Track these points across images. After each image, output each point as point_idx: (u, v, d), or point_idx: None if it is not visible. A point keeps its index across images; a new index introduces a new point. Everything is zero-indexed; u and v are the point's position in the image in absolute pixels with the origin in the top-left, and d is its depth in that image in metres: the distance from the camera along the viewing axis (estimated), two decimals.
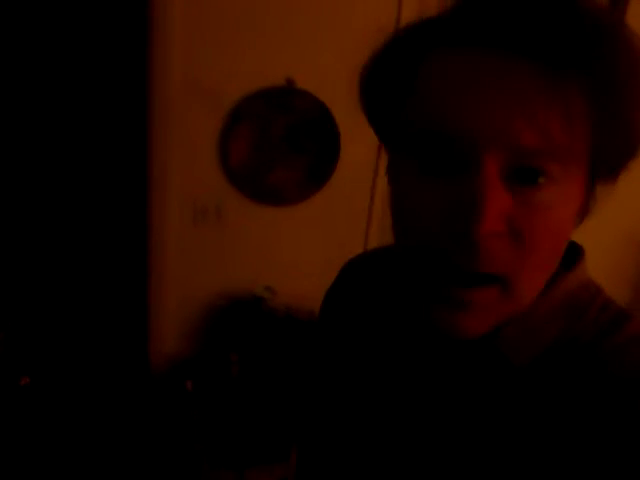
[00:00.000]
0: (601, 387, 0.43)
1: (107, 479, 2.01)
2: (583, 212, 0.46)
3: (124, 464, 2.06)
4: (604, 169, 0.44)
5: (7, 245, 2.19)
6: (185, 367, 2.13)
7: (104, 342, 2.34)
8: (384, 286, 0.62)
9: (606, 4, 0.44)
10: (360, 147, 2.02)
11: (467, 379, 0.50)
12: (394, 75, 0.46)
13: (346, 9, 1.91)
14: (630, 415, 0.41)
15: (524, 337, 0.47)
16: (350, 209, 2.20)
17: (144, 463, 2.06)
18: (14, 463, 1.97)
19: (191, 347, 2.20)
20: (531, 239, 0.41)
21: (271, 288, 2.13)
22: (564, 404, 0.44)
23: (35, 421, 2.13)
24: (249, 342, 2.05)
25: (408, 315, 0.55)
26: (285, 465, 1.88)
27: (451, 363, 0.51)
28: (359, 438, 0.57)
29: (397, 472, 0.53)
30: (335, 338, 0.67)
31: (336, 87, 1.85)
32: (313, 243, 2.21)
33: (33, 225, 2.21)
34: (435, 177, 0.42)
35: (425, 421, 0.52)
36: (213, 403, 1.98)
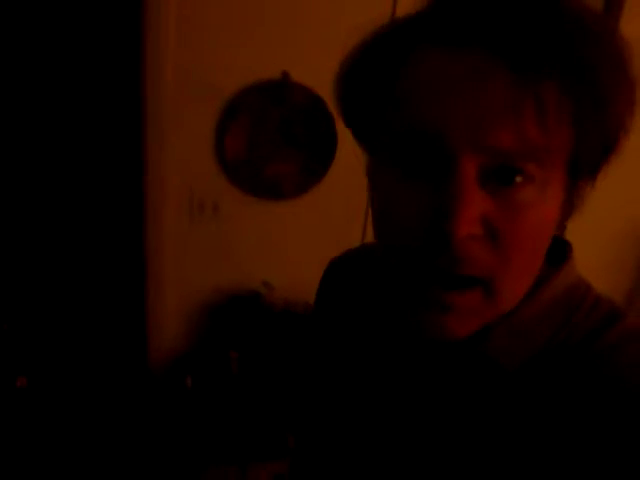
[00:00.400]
0: (594, 389, 0.43)
1: (107, 477, 2.01)
2: (567, 210, 0.46)
3: (124, 461, 2.06)
4: (585, 167, 0.43)
5: (4, 240, 2.18)
6: (184, 363, 2.13)
7: (103, 339, 2.34)
8: (369, 285, 0.62)
9: (600, 9, 0.44)
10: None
11: (456, 382, 0.49)
12: (376, 77, 0.45)
13: (342, 1, 1.90)
14: (624, 417, 0.41)
15: (513, 341, 0.47)
16: (348, 203, 2.19)
17: (144, 460, 2.06)
18: (12, 462, 1.97)
19: (190, 343, 2.20)
20: (511, 240, 0.41)
21: (269, 283, 2.13)
22: (556, 408, 0.44)
23: (34, 417, 2.13)
24: (248, 338, 2.05)
25: (394, 316, 0.55)
26: (285, 461, 1.89)
27: (440, 365, 0.50)
28: (349, 437, 0.57)
29: (386, 470, 0.53)
30: (326, 335, 0.67)
31: (332, 80, 1.84)
32: (311, 237, 2.20)
33: (28, 225, 2.20)
34: (414, 180, 0.42)
35: (414, 423, 0.51)
36: (213, 399, 1.98)
